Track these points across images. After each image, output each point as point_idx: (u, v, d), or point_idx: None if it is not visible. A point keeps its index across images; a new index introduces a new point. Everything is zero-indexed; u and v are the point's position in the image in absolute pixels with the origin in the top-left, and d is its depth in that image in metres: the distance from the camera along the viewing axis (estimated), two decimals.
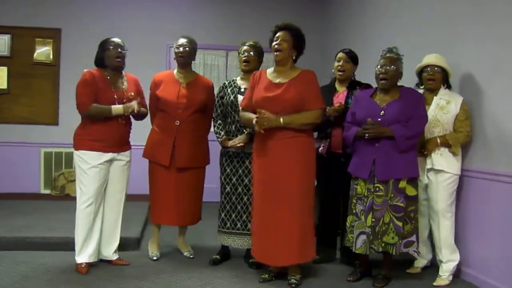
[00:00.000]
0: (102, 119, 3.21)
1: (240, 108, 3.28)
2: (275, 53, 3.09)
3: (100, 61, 3.31)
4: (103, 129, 3.23)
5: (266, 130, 2.99)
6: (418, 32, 4.00)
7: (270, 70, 3.20)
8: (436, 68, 3.26)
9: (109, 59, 3.27)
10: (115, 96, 3.25)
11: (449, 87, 3.32)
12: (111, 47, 3.27)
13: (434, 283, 3.19)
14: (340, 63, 3.54)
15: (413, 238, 3.11)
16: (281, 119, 2.97)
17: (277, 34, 3.10)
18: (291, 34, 3.08)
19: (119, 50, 3.28)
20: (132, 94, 3.33)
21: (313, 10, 6.30)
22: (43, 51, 5.80)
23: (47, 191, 5.77)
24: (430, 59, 3.29)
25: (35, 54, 5.77)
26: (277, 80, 3.10)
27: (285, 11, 6.02)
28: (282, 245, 3.02)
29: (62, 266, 3.32)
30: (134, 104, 3.26)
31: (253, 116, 3.03)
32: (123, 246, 3.59)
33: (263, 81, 3.14)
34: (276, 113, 2.98)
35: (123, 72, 3.40)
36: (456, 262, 3.21)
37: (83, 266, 3.21)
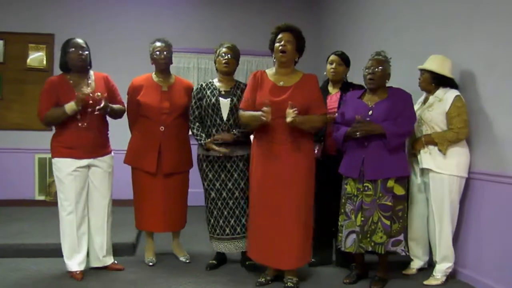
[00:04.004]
0: (62, 122, 3.13)
1: (240, 109, 3.23)
2: (280, 54, 3.07)
3: (63, 65, 3.23)
4: (75, 135, 3.16)
5: (268, 133, 3.01)
6: (412, 33, 4.01)
7: (270, 72, 3.19)
8: (425, 73, 3.30)
9: (71, 62, 3.19)
10: None
11: (445, 85, 3.25)
12: (72, 49, 3.18)
13: (425, 282, 3.20)
14: (333, 65, 3.56)
15: (401, 237, 3.12)
16: (296, 119, 2.91)
17: (280, 36, 3.08)
18: (294, 36, 3.08)
19: (80, 52, 3.19)
20: (99, 94, 3.17)
21: (307, 13, 6.31)
22: (36, 57, 5.78)
23: (42, 197, 5.74)
24: (424, 63, 3.32)
25: (28, 60, 5.75)
26: (281, 83, 3.10)
27: (279, 15, 5.99)
28: (283, 249, 3.02)
29: (57, 272, 3.30)
30: (83, 90, 3.07)
31: (257, 113, 2.99)
32: (118, 251, 3.58)
33: (266, 83, 3.13)
34: (281, 117, 2.96)
35: (91, 72, 3.30)
36: (450, 264, 3.20)
37: (77, 272, 3.19)
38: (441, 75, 3.24)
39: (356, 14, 5.25)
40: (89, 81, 3.26)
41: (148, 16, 6.00)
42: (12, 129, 5.71)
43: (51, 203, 5.51)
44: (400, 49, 3.85)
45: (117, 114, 3.40)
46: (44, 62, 5.79)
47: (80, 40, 3.23)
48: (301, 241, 3.04)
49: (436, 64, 3.27)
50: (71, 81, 3.21)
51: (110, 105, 3.22)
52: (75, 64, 3.19)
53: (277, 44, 3.08)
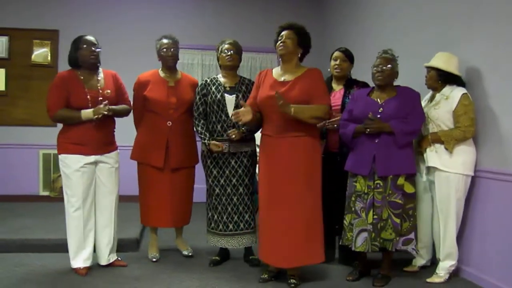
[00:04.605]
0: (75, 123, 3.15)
1: (231, 110, 3.29)
2: (280, 48, 3.08)
3: (73, 61, 3.24)
4: (84, 131, 3.17)
5: (271, 128, 3.04)
6: (416, 31, 4.00)
7: (276, 69, 3.21)
8: (431, 71, 3.29)
9: (83, 58, 3.20)
10: (88, 97, 3.17)
11: (452, 83, 3.22)
12: (84, 46, 3.19)
13: (428, 279, 3.20)
14: (337, 62, 3.55)
15: (412, 235, 3.11)
16: (292, 108, 2.93)
17: (282, 33, 3.10)
18: (295, 32, 3.09)
19: (93, 49, 3.21)
20: (109, 91, 3.24)
21: (311, 10, 6.30)
22: (40, 53, 5.79)
23: (46, 193, 5.78)
24: (430, 61, 3.30)
25: (33, 56, 5.77)
26: (282, 78, 3.11)
27: (282, 12, 6.01)
28: (286, 247, 3.01)
29: (61, 268, 3.32)
30: (102, 107, 3.12)
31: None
32: (122, 247, 3.59)
33: (268, 80, 3.14)
34: (280, 111, 2.97)
35: (100, 69, 3.32)
36: (454, 262, 3.20)
37: (81, 268, 3.20)
38: (447, 72, 3.22)
39: (359, 13, 5.23)
40: (99, 78, 3.28)
41: (153, 13, 6.01)
42: (17, 125, 5.74)
43: (55, 199, 5.54)
44: (402, 49, 3.81)
45: (121, 114, 3.39)
46: (49, 58, 5.81)
47: (92, 38, 3.25)
48: (302, 239, 3.01)
49: (442, 61, 3.24)
50: (82, 77, 3.22)
51: (113, 107, 3.22)
52: (87, 60, 3.21)
53: (278, 42, 3.10)
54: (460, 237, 3.29)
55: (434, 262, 3.39)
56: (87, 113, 3.14)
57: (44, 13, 5.77)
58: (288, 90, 3.02)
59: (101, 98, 3.18)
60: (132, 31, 5.83)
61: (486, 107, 3.18)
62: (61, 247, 3.55)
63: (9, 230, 4.00)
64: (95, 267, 3.32)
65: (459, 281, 3.24)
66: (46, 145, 5.72)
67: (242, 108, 3.04)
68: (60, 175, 5.50)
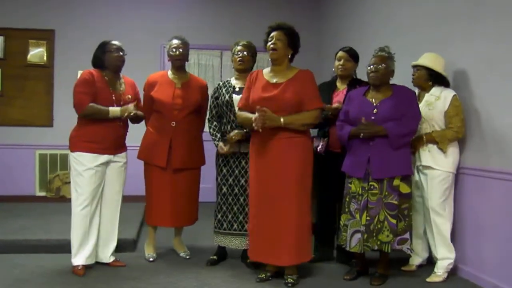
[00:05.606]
0: (99, 120, 3.20)
1: (237, 108, 3.28)
2: (271, 52, 3.09)
3: (99, 62, 3.29)
4: (100, 130, 3.21)
5: (264, 129, 2.98)
6: (414, 30, 4.01)
7: (266, 70, 3.20)
8: (419, 70, 3.30)
9: (110, 61, 3.27)
10: (113, 97, 3.24)
11: (440, 84, 3.28)
12: (113, 50, 3.27)
13: (427, 279, 3.21)
14: (341, 62, 3.54)
15: (407, 235, 3.12)
16: (282, 119, 2.96)
17: (271, 34, 3.10)
18: (285, 33, 3.09)
19: (121, 53, 3.30)
20: (130, 96, 3.35)
21: (309, 9, 6.31)
22: (36, 53, 5.78)
23: (42, 193, 5.77)
24: (419, 60, 3.32)
25: (28, 56, 5.76)
26: (274, 80, 3.11)
27: (280, 11, 6.01)
28: (278, 245, 3.02)
29: (59, 268, 3.31)
30: (131, 107, 3.23)
31: (251, 115, 3.02)
32: (119, 247, 3.58)
33: (260, 81, 3.14)
34: (273, 112, 2.98)
35: (121, 75, 3.40)
36: (451, 260, 3.21)
37: (79, 268, 3.20)
38: (437, 72, 3.25)
39: (357, 12, 5.24)
40: (121, 82, 3.37)
41: (149, 12, 6.01)
42: (13, 125, 5.72)
43: (52, 199, 5.53)
44: (402, 47, 3.83)
45: (138, 120, 3.46)
46: (45, 58, 5.80)
47: (119, 43, 3.34)
48: (294, 238, 3.02)
49: (431, 61, 3.27)
50: (107, 78, 3.28)
51: (138, 112, 3.32)
52: (115, 63, 3.28)
53: (268, 43, 3.10)
54: (457, 236, 3.30)
55: (431, 261, 3.40)
56: (115, 111, 3.21)
57: (40, 13, 5.76)
58: (281, 93, 3.03)
59: (122, 102, 3.28)
60: (129, 31, 5.80)
61: (478, 107, 3.21)
62: (59, 247, 3.55)
63: (6, 231, 3.98)
64: (93, 268, 3.31)
65: (457, 280, 3.25)
66: (42, 145, 5.71)
67: (256, 115, 2.98)
68: (56, 175, 5.60)
